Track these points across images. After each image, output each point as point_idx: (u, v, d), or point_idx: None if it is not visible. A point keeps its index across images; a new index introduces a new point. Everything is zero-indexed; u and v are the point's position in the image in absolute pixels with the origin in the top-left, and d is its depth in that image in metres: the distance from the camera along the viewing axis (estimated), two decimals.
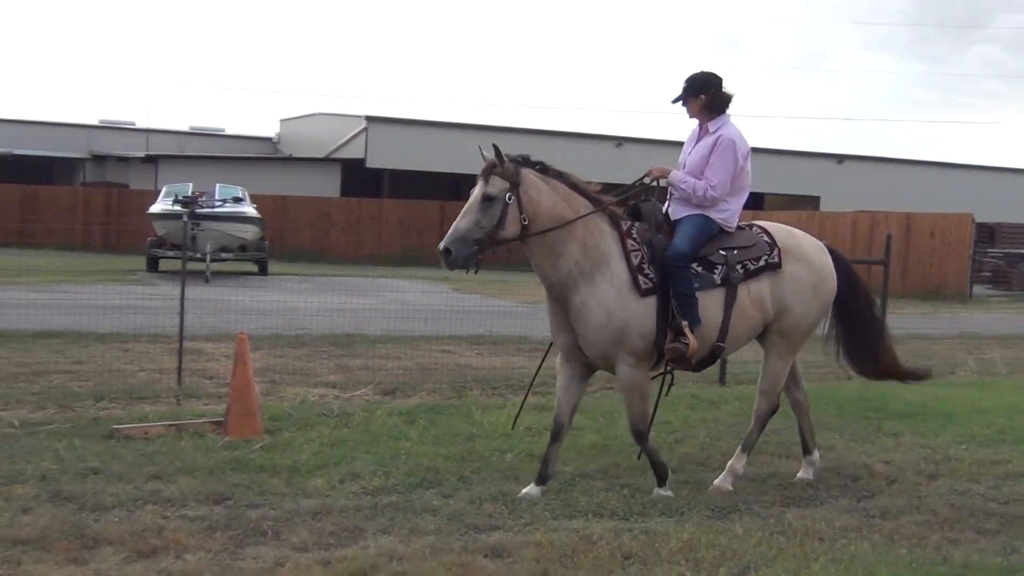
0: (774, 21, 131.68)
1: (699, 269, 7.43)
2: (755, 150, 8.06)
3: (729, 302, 7.49)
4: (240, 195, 28.73)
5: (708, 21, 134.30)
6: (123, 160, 49.63)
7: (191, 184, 28.79)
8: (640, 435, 7.53)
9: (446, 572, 5.75)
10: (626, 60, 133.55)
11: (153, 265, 27.52)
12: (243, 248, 27.79)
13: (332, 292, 21.33)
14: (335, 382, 11.49)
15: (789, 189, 48.26)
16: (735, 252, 7.58)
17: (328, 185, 45.41)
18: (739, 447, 7.97)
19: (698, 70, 7.78)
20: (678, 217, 7.64)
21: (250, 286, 22.95)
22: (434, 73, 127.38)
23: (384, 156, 43.79)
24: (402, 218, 40.82)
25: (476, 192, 7.18)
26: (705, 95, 7.66)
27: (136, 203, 37.24)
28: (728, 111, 7.75)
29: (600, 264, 7.29)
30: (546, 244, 7.28)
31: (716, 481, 7.73)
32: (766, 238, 7.75)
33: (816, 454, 8.23)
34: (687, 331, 7.23)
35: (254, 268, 28.49)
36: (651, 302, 7.27)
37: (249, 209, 28.30)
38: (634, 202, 7.77)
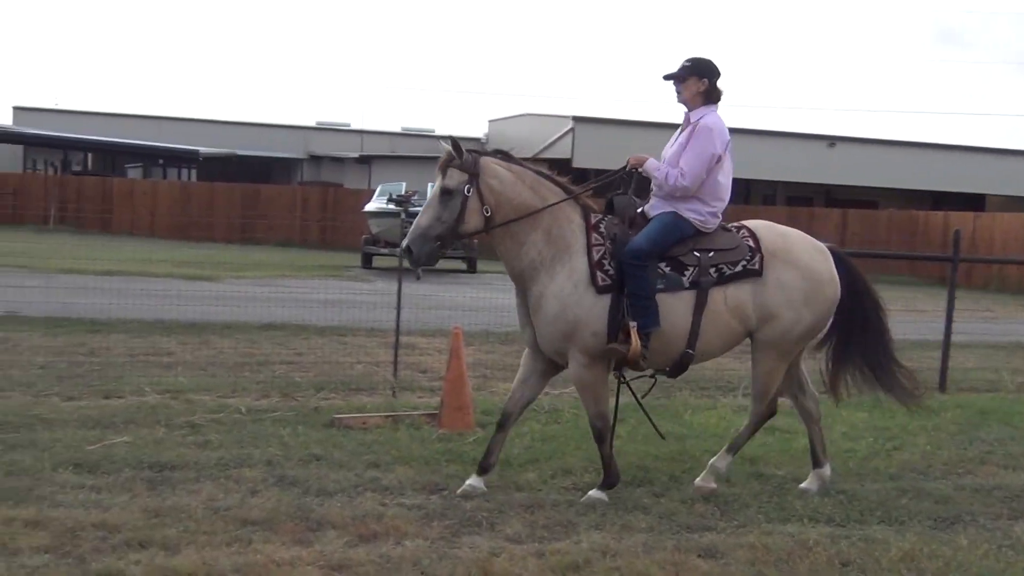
0: (995, 15, 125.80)
1: (667, 270, 7.04)
2: (977, 149, 7.65)
3: (699, 307, 7.05)
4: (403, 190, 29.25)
5: (925, 15, 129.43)
6: (338, 160, 51.30)
7: (404, 183, 29.50)
8: (599, 435, 7.20)
9: (659, 570, 5.73)
10: (841, 57, 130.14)
11: (367, 262, 28.36)
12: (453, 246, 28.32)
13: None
14: None
15: (1013, 190, 46.00)
16: (711, 254, 7.11)
17: None
18: (725, 447, 7.60)
19: (703, 55, 7.38)
20: (653, 214, 7.26)
21: (459, 283, 23.38)
22: (641, 72, 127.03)
23: (591, 156, 43.81)
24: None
25: (435, 187, 7.11)
26: (709, 80, 7.27)
27: (351, 202, 38.48)
28: (717, 105, 7.33)
29: (562, 255, 7.06)
30: (510, 234, 7.12)
31: (697, 480, 7.37)
32: (750, 242, 7.22)
33: (827, 468, 7.63)
34: (633, 333, 6.86)
35: (463, 266, 29.00)
36: (606, 300, 6.96)
37: None
38: (611, 196, 7.38)
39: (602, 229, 7.12)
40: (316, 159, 53.04)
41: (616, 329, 6.92)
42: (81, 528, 5.87)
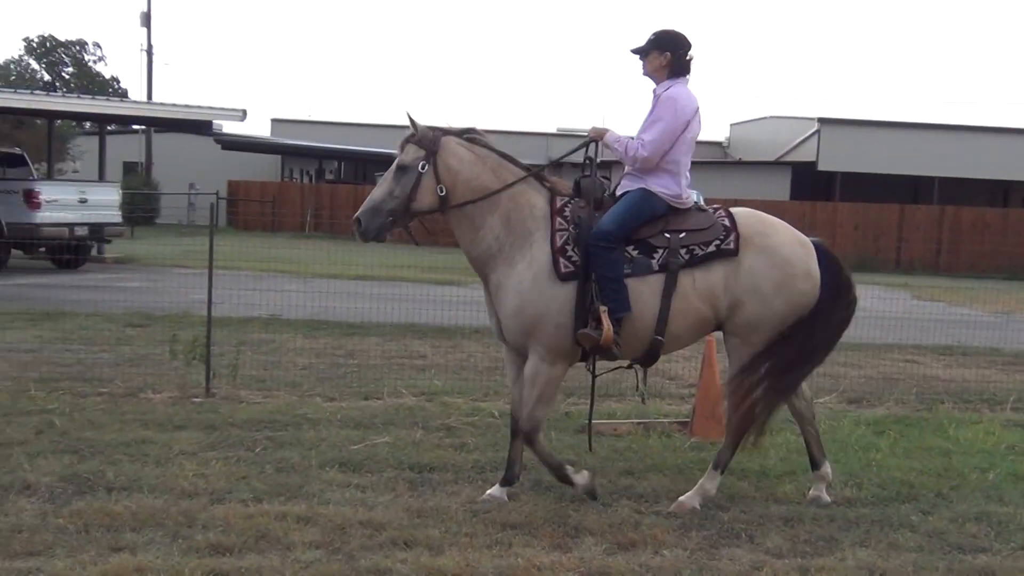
0: None
1: (635, 253, 6.66)
2: None
3: (667, 291, 6.61)
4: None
5: None
6: (579, 166, 51.54)
7: None
8: (527, 436, 6.77)
9: None
10: None
11: None
12: None
13: None
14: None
15: None
16: (682, 235, 6.69)
17: (778, 188, 44.83)
18: (711, 464, 6.98)
19: (668, 28, 7.00)
20: (620, 193, 6.87)
21: None
22: (891, 70, 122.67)
23: (837, 158, 42.62)
24: (858, 222, 39.53)
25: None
26: (672, 53, 6.88)
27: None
28: (686, 76, 6.93)
29: (523, 242, 6.74)
30: (465, 217, 6.84)
31: (682, 498, 6.80)
32: (725, 221, 6.77)
33: (827, 467, 7.11)
34: (604, 317, 6.43)
35: None
36: (571, 288, 6.57)
37: None
38: (577, 178, 6.97)
39: (567, 213, 6.80)
40: (558, 165, 53.40)
41: (584, 317, 6.54)
42: (349, 525, 6.08)
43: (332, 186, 46.06)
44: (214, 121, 27.10)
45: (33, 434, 7.98)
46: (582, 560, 5.71)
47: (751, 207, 7.33)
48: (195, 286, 18.13)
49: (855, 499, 7.04)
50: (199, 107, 25.48)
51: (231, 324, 13.53)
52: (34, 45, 64.97)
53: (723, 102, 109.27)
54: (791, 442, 8.53)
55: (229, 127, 30.74)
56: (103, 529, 5.90)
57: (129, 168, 45.09)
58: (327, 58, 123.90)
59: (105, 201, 23.55)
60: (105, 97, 31.67)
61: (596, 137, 7.00)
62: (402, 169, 6.81)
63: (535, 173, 7.00)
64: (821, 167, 43.13)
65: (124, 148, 44.67)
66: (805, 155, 44.11)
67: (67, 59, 66.28)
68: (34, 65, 63.26)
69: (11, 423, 8.29)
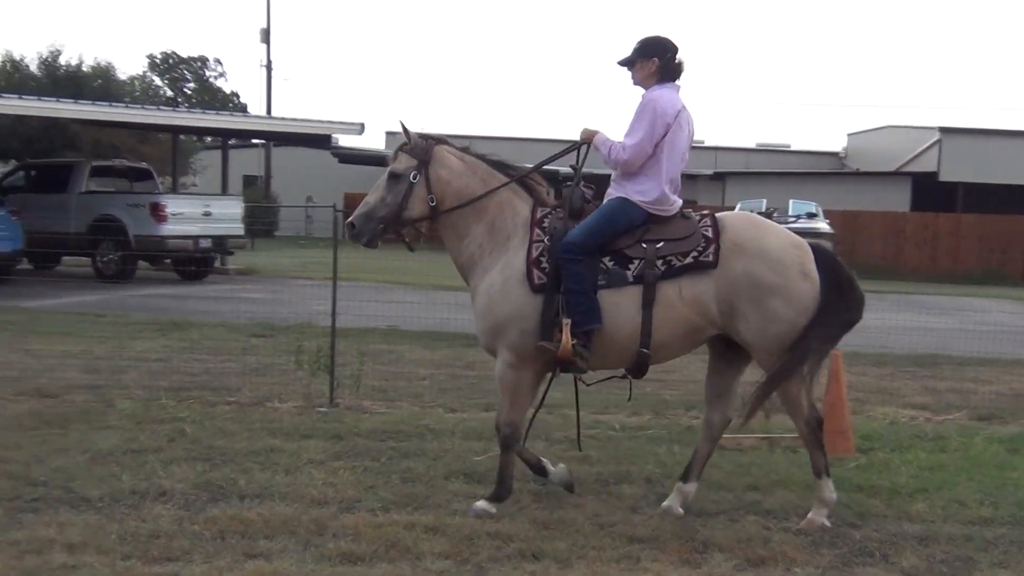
0: None
1: (610, 264, 6.53)
2: None
3: (647, 302, 6.45)
4: (814, 210, 28.58)
5: None
6: (692, 177, 51.17)
7: (765, 200, 29.06)
8: (504, 442, 6.73)
9: None
10: None
11: None
12: None
13: (909, 310, 20.56)
14: (924, 404, 11.02)
15: None
16: (659, 245, 6.53)
17: (897, 199, 43.94)
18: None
19: (652, 34, 6.86)
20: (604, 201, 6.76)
21: None
22: (1013, 79, 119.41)
23: (959, 169, 41.62)
24: (983, 234, 38.52)
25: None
26: (659, 59, 6.73)
27: None
28: (676, 81, 6.79)
29: (501, 249, 6.76)
30: (452, 224, 6.91)
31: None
32: (707, 231, 6.55)
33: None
34: (565, 330, 6.35)
35: None
36: (540, 299, 6.51)
37: (823, 225, 28.05)
38: (562, 187, 6.90)
39: (545, 224, 6.73)
40: (553, 176, 52.96)
41: (550, 327, 6.46)
42: (477, 536, 6.10)
43: None
44: (332, 135, 27.59)
45: (166, 441, 8.19)
46: None
47: (874, 218, 7.19)
48: (315, 297, 18.48)
49: (992, 519, 6.84)
50: (319, 121, 25.93)
51: (352, 335, 13.69)
52: (157, 62, 66.96)
53: (840, 111, 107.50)
54: (922, 460, 8.34)
55: (345, 140, 31.21)
56: (237, 536, 6.02)
57: (249, 181, 46.08)
58: (438, 71, 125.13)
59: (228, 214, 24.11)
60: (228, 112, 32.42)
61: (587, 139, 6.93)
62: (395, 177, 6.91)
63: (519, 178, 7.00)
64: (943, 178, 42.16)
65: (244, 162, 45.66)
66: (925, 165, 43.16)
67: (189, 75, 68.16)
68: (157, 81, 65.07)
69: (144, 431, 8.52)
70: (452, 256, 7.02)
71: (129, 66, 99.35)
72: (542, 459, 7.22)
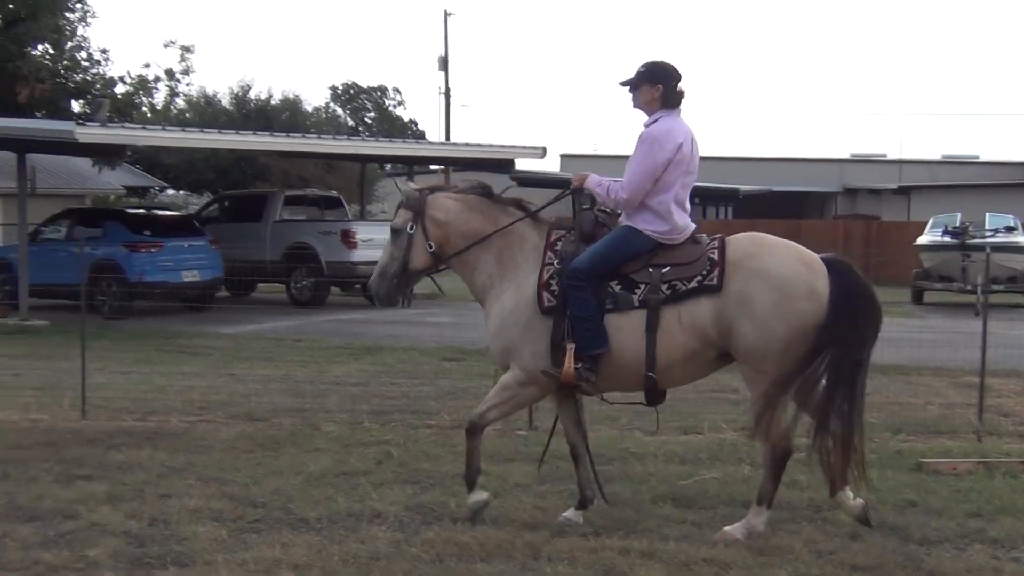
0: None
1: (617, 288, 6.61)
2: None
3: (651, 327, 6.48)
4: (1013, 224, 27.36)
5: None
6: (874, 192, 49.89)
7: (959, 214, 27.98)
8: (469, 430, 6.96)
9: None
10: None
11: (918, 297, 27.19)
12: (1012, 279, 26.39)
13: None
14: None
15: None
16: (665, 270, 6.57)
17: None
18: (754, 500, 6.65)
19: (658, 59, 6.85)
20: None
21: (1022, 319, 21.81)
22: None
23: None
24: None
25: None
26: (663, 86, 6.74)
27: (894, 235, 37.19)
28: (677, 108, 6.78)
29: (512, 274, 6.95)
30: (462, 261, 7.13)
31: (727, 528, 6.57)
32: (713, 254, 6.53)
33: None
34: (568, 355, 6.50)
35: None
36: (549, 321, 6.66)
37: (1022, 239, 26.81)
38: (578, 211, 6.98)
39: (558, 247, 6.85)
40: (851, 191, 51.89)
41: (558, 350, 6.59)
42: (693, 562, 6.03)
43: None
44: (515, 159, 27.87)
45: (374, 464, 8.36)
46: None
47: None
48: None
49: None
50: (501, 146, 26.23)
51: None
52: (339, 92, 68.99)
53: None
54: None
55: (523, 164, 31.45)
56: (455, 559, 6.10)
57: None
58: (609, 93, 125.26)
59: None
60: (411, 140, 33.10)
61: (578, 184, 7.00)
62: (395, 232, 7.20)
63: (526, 217, 7.12)
64: None
65: None
66: None
67: (369, 104, 69.98)
68: (339, 111, 67.03)
69: (352, 453, 8.72)
70: (468, 286, 7.26)
71: (313, 98, 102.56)
72: (587, 492, 7.10)
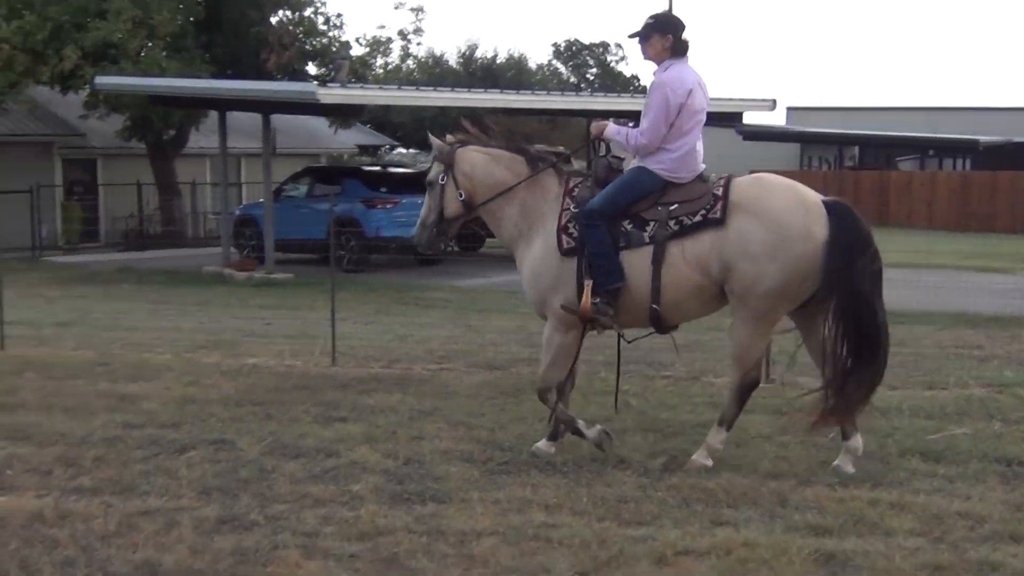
0: None
1: (630, 227, 6.97)
2: None
3: (657, 261, 6.85)
4: None
5: None
6: None
7: None
8: (540, 395, 7.39)
9: None
10: None
11: None
12: None
13: None
14: None
15: None
16: (673, 207, 6.90)
17: None
18: (715, 422, 7.10)
19: (664, 11, 6.68)
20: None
21: None
22: None
23: None
24: None
25: None
26: (672, 35, 7.08)
27: None
28: (685, 57, 7.11)
29: (537, 224, 7.33)
30: (489, 211, 7.56)
31: (694, 456, 7.00)
32: (717, 191, 6.84)
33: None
34: (585, 291, 6.93)
35: None
36: (573, 262, 7.07)
37: None
38: (594, 159, 7.35)
39: (575, 193, 7.20)
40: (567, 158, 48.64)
41: (580, 288, 6.98)
42: (946, 515, 5.93)
43: (855, 172, 44.97)
44: (744, 112, 27.45)
45: (613, 413, 8.50)
46: None
47: None
48: None
49: None
50: (730, 99, 25.80)
51: None
52: (561, 50, 69.16)
53: None
54: None
55: (749, 117, 30.91)
56: (702, 504, 6.18)
57: None
58: (839, 41, 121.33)
59: None
60: (630, 94, 33.03)
61: (597, 133, 7.32)
62: (431, 185, 7.70)
63: (548, 167, 7.44)
64: None
65: None
66: None
67: (591, 61, 69.91)
68: (560, 68, 67.25)
69: (591, 402, 8.88)
70: (497, 236, 7.76)
71: (536, 56, 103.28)
72: (578, 421, 7.38)
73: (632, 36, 7.29)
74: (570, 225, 7.13)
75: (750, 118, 30.35)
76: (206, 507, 6.24)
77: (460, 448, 7.46)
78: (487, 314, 15.30)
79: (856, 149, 52.35)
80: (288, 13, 29.66)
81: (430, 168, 7.79)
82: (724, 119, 27.52)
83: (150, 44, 26.64)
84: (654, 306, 6.94)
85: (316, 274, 21.42)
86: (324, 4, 30.55)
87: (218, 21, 28.73)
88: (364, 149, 40.72)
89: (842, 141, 49.01)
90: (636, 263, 6.94)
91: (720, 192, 6.84)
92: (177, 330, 14.42)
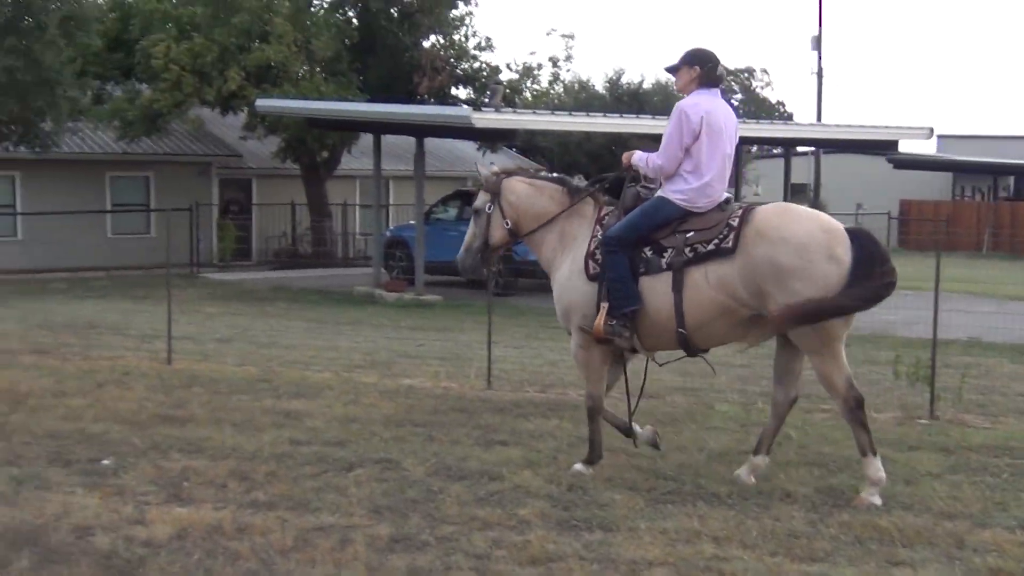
0: None
1: (649, 254, 7.30)
2: None
3: (677, 286, 7.14)
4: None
5: None
6: None
7: None
8: (589, 412, 7.75)
9: None
10: None
11: None
12: None
13: None
14: None
15: None
16: (689, 235, 7.20)
17: None
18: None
19: (700, 46, 7.61)
20: None
21: None
22: None
23: None
24: None
25: None
26: (700, 68, 7.42)
27: None
28: (715, 89, 7.44)
29: (570, 248, 7.75)
30: (532, 240, 8.03)
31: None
32: (732, 221, 7.07)
33: (765, 459, 7.46)
34: (601, 312, 7.31)
35: None
36: (595, 286, 7.41)
37: None
38: (625, 188, 7.72)
39: (604, 220, 7.59)
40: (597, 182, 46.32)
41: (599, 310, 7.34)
42: None
43: (1011, 204, 43.59)
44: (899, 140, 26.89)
45: (775, 445, 8.39)
46: None
47: None
48: (878, 306, 18.08)
49: None
50: (884, 127, 25.32)
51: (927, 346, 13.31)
52: None
53: None
54: None
55: (904, 145, 30.28)
56: (875, 542, 6.06)
57: (797, 189, 45.99)
58: (992, 68, 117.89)
59: None
60: (788, 122, 32.59)
61: (626, 163, 7.66)
62: (477, 212, 8.13)
63: (585, 196, 7.86)
64: None
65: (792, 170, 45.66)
66: None
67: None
68: None
69: (750, 433, 8.78)
70: (541, 262, 8.12)
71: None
72: (630, 422, 7.95)
73: (666, 70, 7.75)
74: (597, 252, 7.50)
75: (905, 146, 29.69)
76: (378, 525, 6.37)
77: (622, 476, 7.46)
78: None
79: (1011, 179, 50.84)
80: (440, 38, 30.15)
81: (477, 197, 8.22)
82: (879, 147, 27.09)
83: (306, 68, 27.37)
84: (680, 330, 7.20)
85: (465, 296, 21.67)
86: (475, 30, 30.78)
87: (372, 46, 29.36)
88: None
89: (997, 171, 47.67)
90: (656, 288, 7.24)
91: (736, 222, 7.07)
92: (333, 349, 14.75)
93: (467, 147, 35.28)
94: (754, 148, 43.77)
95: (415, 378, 11.82)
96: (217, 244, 32.58)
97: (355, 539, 6.11)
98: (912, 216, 42.52)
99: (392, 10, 29.32)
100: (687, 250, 7.16)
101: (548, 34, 57.64)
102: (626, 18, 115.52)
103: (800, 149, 45.00)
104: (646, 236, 7.31)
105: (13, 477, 7.44)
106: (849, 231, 6.99)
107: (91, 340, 15.46)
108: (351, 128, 27.29)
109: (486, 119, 20.21)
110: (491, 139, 27.34)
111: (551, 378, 11.96)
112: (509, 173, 8.20)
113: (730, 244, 7.01)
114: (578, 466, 7.62)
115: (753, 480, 7.31)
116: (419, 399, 10.44)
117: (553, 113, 24.43)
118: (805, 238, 6.89)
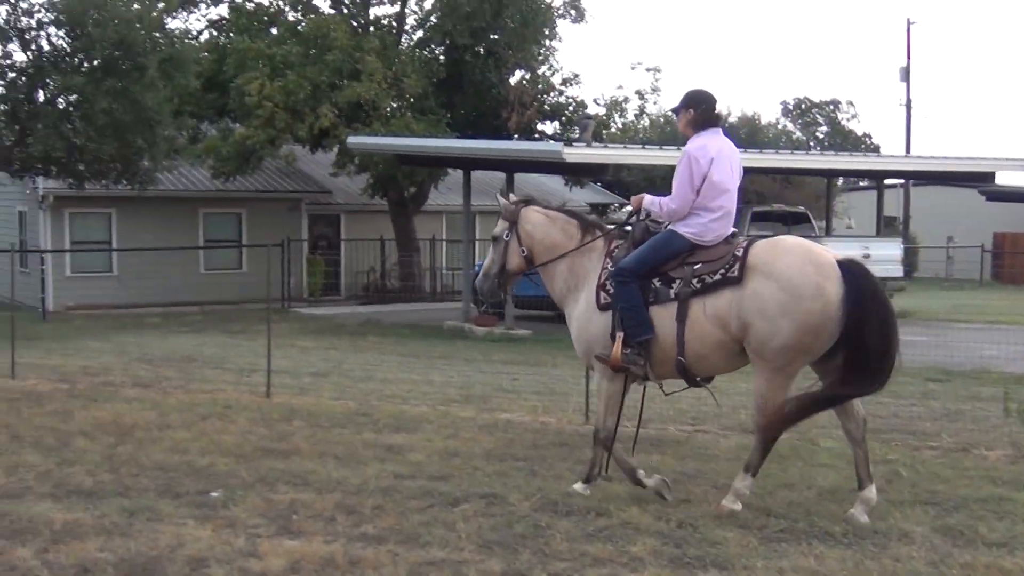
0: None
1: (658, 284, 7.50)
2: None
3: (681, 316, 7.35)
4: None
5: None
6: None
7: None
8: (602, 442, 7.90)
9: None
10: None
11: None
12: None
13: None
14: None
15: None
16: (697, 267, 7.41)
17: None
18: (742, 468, 7.48)
19: (698, 88, 7.77)
20: None
21: None
22: None
23: None
24: None
25: None
26: (694, 110, 7.65)
27: None
28: (716, 128, 7.66)
29: (582, 282, 7.99)
30: (545, 271, 8.27)
31: (723, 501, 7.38)
32: (737, 252, 7.32)
33: (871, 490, 7.28)
34: (616, 341, 7.49)
35: None
36: (608, 316, 7.62)
37: None
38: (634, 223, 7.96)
39: (615, 254, 7.81)
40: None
41: (615, 340, 7.54)
42: None
43: None
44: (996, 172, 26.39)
45: (884, 483, 8.24)
46: None
47: None
48: (983, 341, 17.79)
49: None
50: (982, 159, 24.87)
51: None
52: (790, 108, 68.24)
53: None
54: None
55: (1001, 177, 29.72)
56: None
57: (887, 222, 45.33)
58: None
59: (888, 256, 23.89)
60: (879, 154, 32.19)
61: (637, 206, 7.92)
62: (495, 239, 8.41)
63: (602, 235, 8.11)
64: None
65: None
66: None
67: (821, 119, 68.66)
68: (789, 126, 66.27)
69: (842, 472, 8.60)
70: (551, 294, 8.35)
71: (765, 113, 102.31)
72: (639, 471, 7.93)
73: (672, 111, 8.13)
74: (608, 283, 7.72)
75: (1003, 178, 29.15)
76: (489, 560, 6.35)
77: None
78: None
79: None
80: (527, 74, 30.32)
81: (496, 224, 8.49)
82: (975, 178, 26.59)
83: (395, 105, 27.68)
84: (680, 358, 7.44)
85: (554, 331, 21.62)
86: (560, 65, 30.99)
87: (459, 82, 29.62)
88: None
89: None
90: (664, 317, 7.47)
91: (740, 253, 7.32)
92: (428, 383, 14.80)
93: (555, 182, 35.35)
94: (840, 181, 43.24)
95: (512, 412, 11.81)
96: (307, 279, 32.95)
97: (467, 574, 6.09)
98: (1007, 249, 41.64)
99: (478, 48, 29.58)
100: (694, 281, 7.41)
101: (633, 68, 57.40)
102: (711, 52, 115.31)
103: (888, 181, 44.53)
104: (654, 268, 7.58)
105: (124, 508, 7.55)
106: (841, 264, 7.15)
107: (190, 373, 15.71)
108: (442, 164, 27.50)
109: (577, 154, 20.22)
110: (580, 174, 27.37)
111: (648, 412, 11.83)
112: (527, 202, 8.53)
113: (736, 273, 7.26)
114: (577, 486, 7.94)
115: (866, 519, 7.15)
116: (518, 433, 10.42)
117: (644, 147, 24.38)
118: (792, 273, 7.10)
